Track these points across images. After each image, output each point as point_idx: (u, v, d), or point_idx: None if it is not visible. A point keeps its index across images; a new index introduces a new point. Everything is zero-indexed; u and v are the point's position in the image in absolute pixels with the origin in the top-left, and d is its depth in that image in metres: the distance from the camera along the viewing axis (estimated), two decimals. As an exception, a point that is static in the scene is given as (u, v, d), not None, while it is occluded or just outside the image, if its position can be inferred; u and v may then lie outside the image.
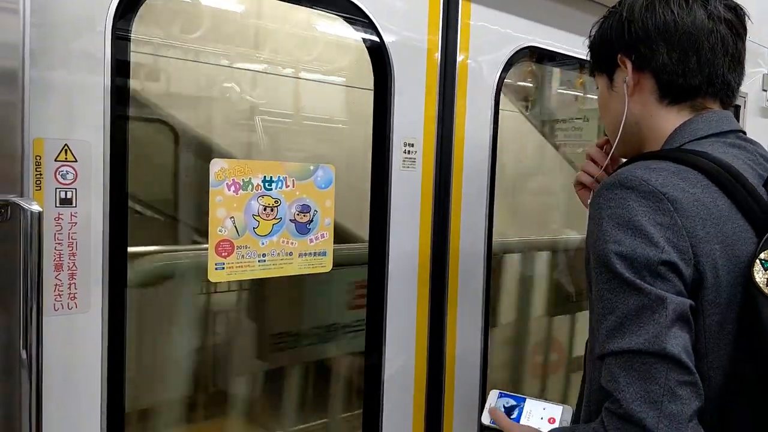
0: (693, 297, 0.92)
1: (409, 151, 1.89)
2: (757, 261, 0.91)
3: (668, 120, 1.10)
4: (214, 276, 1.52)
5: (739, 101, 3.44)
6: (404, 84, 1.86)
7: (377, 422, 1.91)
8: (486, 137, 2.08)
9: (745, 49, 1.12)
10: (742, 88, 3.40)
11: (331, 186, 1.72)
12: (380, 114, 1.86)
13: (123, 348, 1.37)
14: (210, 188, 1.50)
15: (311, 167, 1.68)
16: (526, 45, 2.16)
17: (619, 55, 1.12)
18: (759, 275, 0.90)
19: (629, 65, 1.11)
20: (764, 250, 0.92)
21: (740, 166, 1.01)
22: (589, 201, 1.15)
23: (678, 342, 0.86)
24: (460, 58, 1.99)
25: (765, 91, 3.64)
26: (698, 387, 0.88)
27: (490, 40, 2.08)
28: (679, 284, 0.90)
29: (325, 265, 1.73)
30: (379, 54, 1.82)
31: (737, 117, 3.49)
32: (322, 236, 1.71)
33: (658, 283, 0.89)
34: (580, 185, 1.36)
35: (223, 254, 1.53)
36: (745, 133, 1.11)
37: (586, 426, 1.00)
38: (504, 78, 2.10)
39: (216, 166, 1.50)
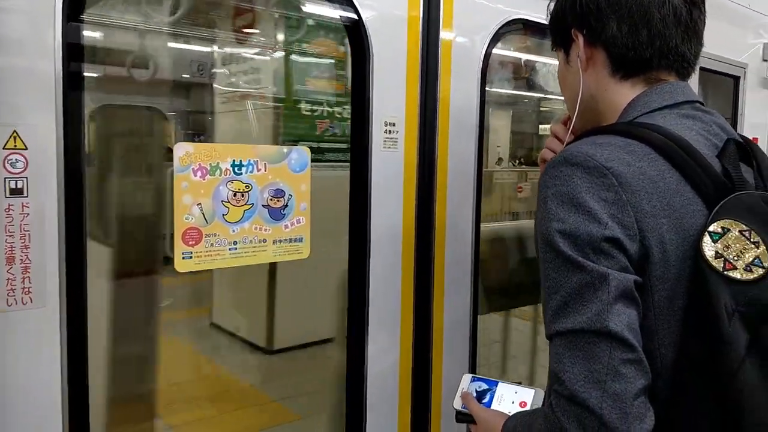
0: (640, 273, 0.90)
1: (390, 131, 1.81)
2: (706, 234, 0.89)
3: (622, 94, 1.08)
4: (180, 266, 1.45)
5: (738, 72, 3.34)
6: (384, 62, 1.77)
7: (361, 408, 1.86)
8: (472, 115, 2.00)
9: (703, 19, 1.08)
10: (741, 59, 3.29)
11: (306, 169, 1.64)
12: (359, 93, 1.77)
13: (84, 345, 1.31)
14: (174, 173, 1.42)
15: (284, 150, 1.60)
16: (514, 17, 2.06)
17: (572, 29, 1.10)
18: (707, 248, 0.88)
19: (581, 39, 1.09)
20: (714, 223, 0.90)
21: (692, 137, 0.99)
22: None
23: (621, 319, 0.85)
24: (443, 33, 1.90)
25: (766, 61, 3.53)
26: (643, 365, 0.87)
27: (476, 13, 1.98)
28: (624, 260, 0.88)
29: (302, 251, 1.66)
30: (356, 30, 1.73)
31: (736, 88, 3.39)
32: (298, 221, 1.64)
33: (601, 260, 0.87)
34: (544, 163, 1.32)
35: (190, 243, 1.45)
36: (702, 103, 1.08)
37: (539, 409, 1.01)
38: (491, 53, 2.01)
39: (180, 150, 1.43)
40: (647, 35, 1.03)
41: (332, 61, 3.19)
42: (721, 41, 3.11)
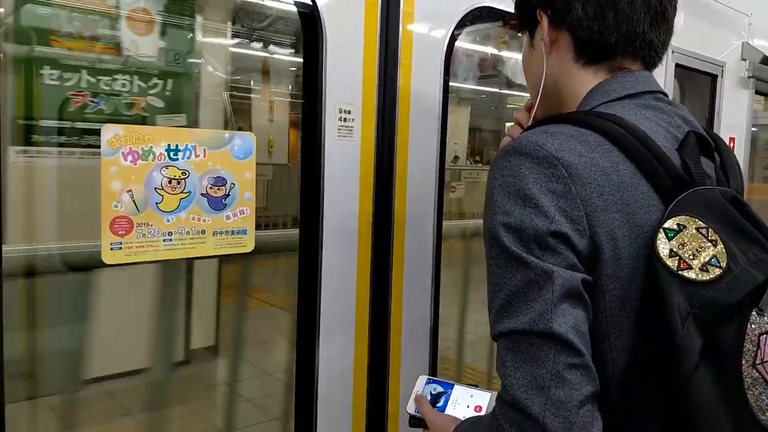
0: (590, 272, 0.85)
1: (345, 119, 1.71)
2: (661, 230, 0.84)
3: (584, 81, 1.03)
4: (109, 257, 1.34)
5: (715, 71, 3.28)
6: (338, 42, 1.68)
7: (311, 414, 1.76)
8: (435, 105, 1.91)
9: (674, 5, 1.04)
10: (719, 57, 3.23)
11: (251, 156, 1.54)
12: (310, 76, 1.67)
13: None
14: (102, 157, 1.32)
15: (226, 135, 1.49)
16: (478, 5, 1.97)
17: (537, 10, 1.05)
18: (662, 246, 0.83)
19: (546, 20, 1.04)
20: (669, 219, 0.85)
21: (652, 128, 0.94)
22: None
23: (567, 321, 0.80)
24: (404, 17, 1.81)
25: (744, 60, 3.48)
26: (590, 370, 0.81)
27: (439, -3, 1.89)
28: (572, 257, 0.84)
29: (246, 244, 1.56)
30: (307, 8, 1.63)
31: (713, 87, 3.34)
32: (242, 212, 1.54)
33: (547, 257, 0.83)
34: None
35: (120, 233, 1.35)
36: (666, 94, 1.04)
37: (487, 415, 0.95)
38: (456, 37, 1.92)
39: (109, 132, 1.32)
40: (613, 19, 0.98)
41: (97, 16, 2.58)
42: (699, 38, 3.05)
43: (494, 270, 0.87)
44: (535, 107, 1.12)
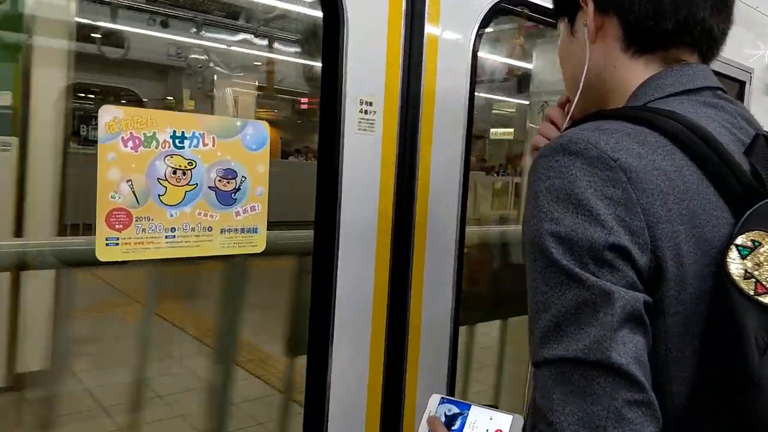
0: (650, 291, 0.75)
1: (366, 111, 1.58)
2: (733, 247, 0.74)
3: (633, 73, 0.93)
4: (104, 254, 1.20)
5: (743, 77, 3.15)
6: (360, 28, 1.54)
7: (321, 425, 1.61)
8: (462, 95, 1.77)
9: None
10: (748, 63, 3.10)
11: (264, 147, 1.40)
12: (330, 64, 1.53)
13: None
14: (99, 142, 1.18)
15: (237, 123, 1.36)
16: (511, -7, 1.84)
17: None
18: (734, 265, 0.73)
19: (591, 5, 0.94)
20: (742, 234, 0.75)
21: (715, 129, 0.84)
22: None
23: (627, 349, 0.70)
24: (430, 3, 1.67)
25: (773, 67, 3.34)
26: (653, 407, 0.71)
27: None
28: (631, 275, 0.74)
29: (257, 243, 1.42)
30: (328, -12, 1.50)
31: (741, 95, 3.20)
32: (253, 209, 1.40)
33: (604, 273, 0.72)
34: (536, 151, 1.15)
35: (117, 227, 1.21)
36: (724, 91, 0.93)
37: None
38: (489, 20, 1.78)
39: (107, 114, 1.18)
40: (670, 3, 0.88)
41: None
42: (727, 42, 2.92)
43: (539, 286, 0.76)
44: (574, 103, 1.01)
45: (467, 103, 1.78)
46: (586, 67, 0.95)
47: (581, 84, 0.97)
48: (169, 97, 11.89)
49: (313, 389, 1.62)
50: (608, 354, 0.69)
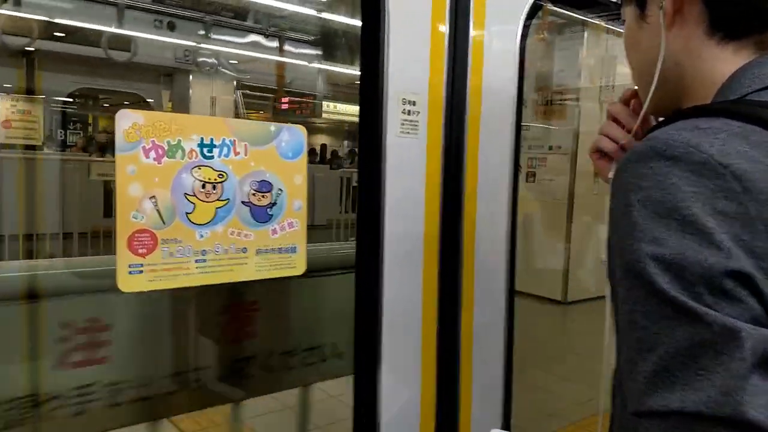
0: None
1: (409, 112, 1.41)
2: None
3: (721, 62, 0.79)
4: (126, 283, 1.03)
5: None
6: (402, 20, 1.38)
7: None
8: (510, 94, 1.60)
9: None
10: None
11: (302, 155, 1.23)
12: (370, 59, 1.37)
13: None
14: (117, 153, 1.02)
15: (272, 128, 1.19)
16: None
17: None
18: None
19: None
20: None
21: None
22: (609, 174, 0.92)
23: (762, 402, 0.56)
24: (474, -7, 1.52)
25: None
26: None
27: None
28: (757, 307, 0.60)
29: (296, 264, 1.25)
30: (366, -24, 1.35)
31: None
32: (290, 225, 1.23)
33: (724, 306, 0.59)
34: (598, 154, 1.01)
35: (140, 251, 1.04)
36: None
37: None
38: (536, 11, 1.62)
39: (125, 120, 1.02)
40: None
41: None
42: None
43: (638, 320, 0.63)
44: (649, 97, 0.86)
45: (516, 100, 1.62)
46: (661, 57, 0.81)
47: (656, 77, 0.83)
48: (149, 99, 11.82)
49: (361, 415, 1.45)
50: (741, 409, 0.55)
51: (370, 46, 1.37)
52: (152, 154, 1.04)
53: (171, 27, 9.35)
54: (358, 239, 1.43)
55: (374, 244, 1.39)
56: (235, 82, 11.45)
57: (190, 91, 10.84)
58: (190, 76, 10.75)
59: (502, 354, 1.65)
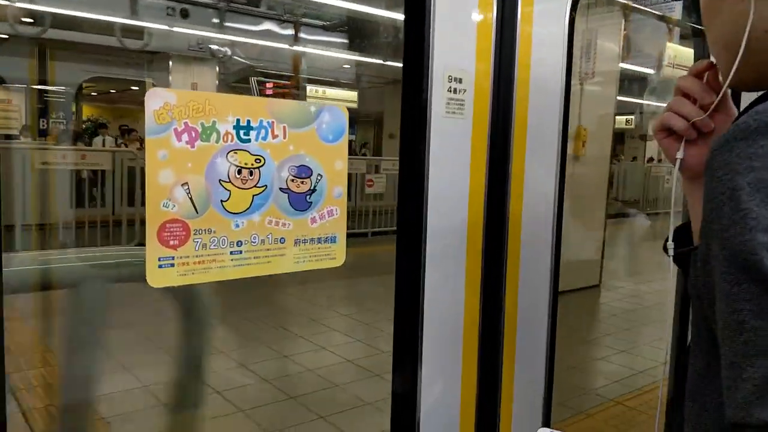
0: None
1: (455, 90, 1.30)
2: None
3: None
4: (156, 278, 0.95)
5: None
6: (449, -8, 1.27)
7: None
8: (558, 71, 1.49)
9: None
10: None
11: (342, 138, 1.14)
12: (414, 34, 1.26)
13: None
14: (147, 136, 0.92)
15: (312, 109, 1.09)
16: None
17: None
18: None
19: None
20: None
21: None
22: (678, 155, 0.84)
23: None
24: (524, -41, 1.39)
25: None
26: None
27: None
28: None
29: (336, 256, 1.16)
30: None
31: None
32: (330, 213, 1.14)
33: None
34: (665, 132, 0.91)
35: (171, 242, 0.95)
36: None
37: None
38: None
39: (156, 100, 0.92)
40: None
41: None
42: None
43: (747, 320, 0.56)
44: (733, 70, 0.76)
45: (564, 78, 1.50)
46: (749, 24, 0.71)
47: (742, 47, 0.73)
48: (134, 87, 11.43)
49: (400, 411, 1.38)
50: None
51: (414, 18, 1.26)
52: (185, 137, 0.95)
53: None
54: (398, 229, 1.34)
55: (416, 228, 1.29)
56: (217, 67, 10.95)
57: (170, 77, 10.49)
58: (170, 62, 10.41)
59: (545, 350, 1.56)
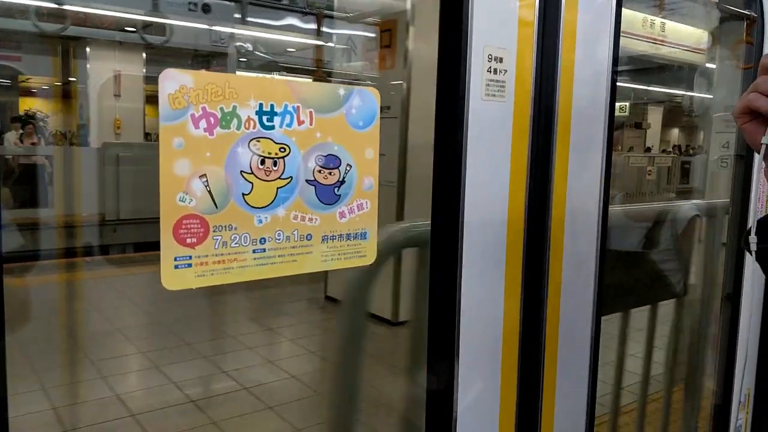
0: None
1: (496, 71, 1.19)
2: None
3: None
4: (171, 280, 0.86)
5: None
6: (490, -40, 1.16)
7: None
8: (604, 53, 1.37)
9: None
10: None
11: (374, 124, 1.03)
12: (452, 8, 1.15)
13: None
14: (161, 122, 0.83)
15: (340, 92, 0.99)
16: None
17: None
18: None
19: None
20: None
21: None
22: (763, 140, 0.76)
23: None
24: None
25: None
26: None
27: None
28: None
29: (366, 253, 1.06)
30: None
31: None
32: (360, 207, 1.04)
33: None
34: (748, 116, 0.82)
35: (189, 240, 0.86)
36: None
37: None
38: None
39: (171, 82, 0.83)
40: None
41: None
42: None
43: None
44: None
45: (611, 60, 1.39)
46: None
47: None
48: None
49: (435, 417, 1.29)
50: None
51: (452, -9, 1.15)
52: (203, 123, 0.85)
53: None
54: (433, 216, 1.24)
55: (453, 220, 1.19)
56: (144, 54, 9.91)
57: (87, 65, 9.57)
58: (87, 48, 9.49)
59: (588, 353, 1.46)
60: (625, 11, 1.38)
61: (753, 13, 1.97)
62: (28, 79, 11.98)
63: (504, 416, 1.35)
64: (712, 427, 2.26)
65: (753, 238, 0.78)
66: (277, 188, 0.93)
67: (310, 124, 0.95)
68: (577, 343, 1.44)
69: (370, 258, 1.07)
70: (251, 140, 0.90)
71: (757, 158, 0.75)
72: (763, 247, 0.78)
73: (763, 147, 0.76)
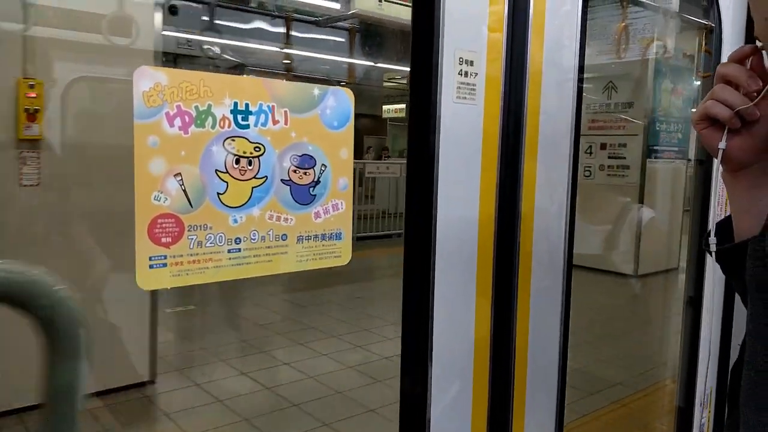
0: None
1: (466, 74, 1.21)
2: None
3: None
4: (146, 280, 0.85)
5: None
6: (460, -35, 1.18)
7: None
8: (571, 53, 1.41)
9: None
10: None
11: (348, 124, 1.04)
12: (423, 10, 1.17)
13: None
14: (135, 120, 0.82)
15: (315, 92, 1.00)
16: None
17: None
18: None
19: None
20: None
21: None
22: (720, 145, 0.78)
23: None
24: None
25: None
26: None
27: None
28: None
29: (341, 254, 1.07)
30: None
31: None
32: (335, 207, 1.04)
33: None
34: (706, 122, 0.83)
35: (164, 240, 0.85)
36: None
37: None
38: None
39: (145, 80, 0.82)
40: None
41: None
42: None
43: None
44: None
45: (577, 60, 1.42)
46: None
47: None
48: None
49: (409, 421, 1.29)
50: None
51: (423, -5, 1.17)
52: (177, 121, 0.85)
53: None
54: (406, 220, 1.24)
55: (426, 224, 1.20)
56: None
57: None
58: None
59: (558, 356, 1.48)
60: None
61: (711, 23, 2.04)
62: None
63: (476, 419, 1.36)
64: (677, 427, 2.31)
65: (713, 240, 0.81)
66: (252, 188, 0.93)
67: (285, 124, 0.95)
68: (547, 346, 1.46)
69: (345, 258, 1.07)
70: (226, 139, 0.89)
71: (716, 163, 0.78)
72: (722, 248, 0.80)
73: (720, 152, 0.79)
